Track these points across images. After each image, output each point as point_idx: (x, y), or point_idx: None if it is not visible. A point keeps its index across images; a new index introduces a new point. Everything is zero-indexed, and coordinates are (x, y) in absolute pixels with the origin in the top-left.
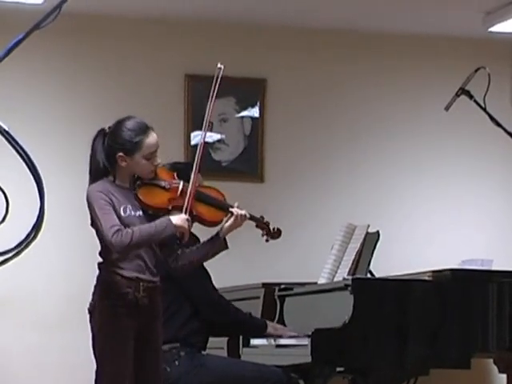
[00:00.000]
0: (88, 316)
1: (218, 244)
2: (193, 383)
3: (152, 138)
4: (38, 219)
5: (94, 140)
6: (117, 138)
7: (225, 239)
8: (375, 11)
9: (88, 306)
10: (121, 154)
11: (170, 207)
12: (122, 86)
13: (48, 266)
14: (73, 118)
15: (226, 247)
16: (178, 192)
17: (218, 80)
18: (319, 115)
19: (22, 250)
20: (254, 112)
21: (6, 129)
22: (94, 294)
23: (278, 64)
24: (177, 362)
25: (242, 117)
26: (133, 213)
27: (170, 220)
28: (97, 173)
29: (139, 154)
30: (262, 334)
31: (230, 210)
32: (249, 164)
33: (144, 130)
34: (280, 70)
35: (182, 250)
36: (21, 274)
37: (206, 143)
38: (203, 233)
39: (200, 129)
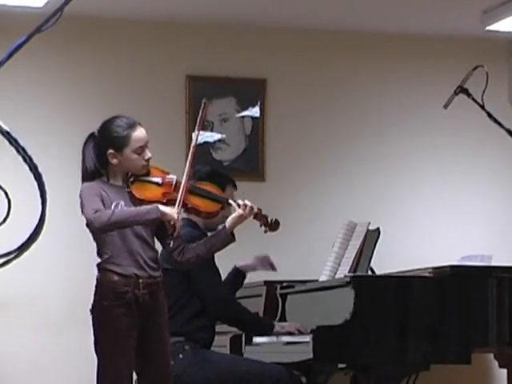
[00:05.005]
0: (90, 316)
1: (223, 236)
2: (197, 377)
3: (140, 132)
4: (39, 220)
5: (84, 144)
6: (105, 135)
7: (232, 232)
8: (374, 11)
9: (90, 306)
10: (111, 150)
11: (164, 200)
12: (123, 87)
13: (49, 266)
14: (74, 119)
15: (233, 240)
16: (172, 187)
17: (203, 114)
18: (319, 114)
19: (23, 251)
20: (255, 112)
21: (7, 130)
22: (94, 294)
23: (278, 64)
24: (181, 356)
25: (243, 116)
26: (125, 208)
27: (156, 206)
28: (87, 176)
29: (128, 148)
30: (269, 333)
31: (237, 201)
32: (250, 163)
33: (131, 125)
34: (280, 70)
35: (188, 243)
36: (22, 275)
37: (206, 143)
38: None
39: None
